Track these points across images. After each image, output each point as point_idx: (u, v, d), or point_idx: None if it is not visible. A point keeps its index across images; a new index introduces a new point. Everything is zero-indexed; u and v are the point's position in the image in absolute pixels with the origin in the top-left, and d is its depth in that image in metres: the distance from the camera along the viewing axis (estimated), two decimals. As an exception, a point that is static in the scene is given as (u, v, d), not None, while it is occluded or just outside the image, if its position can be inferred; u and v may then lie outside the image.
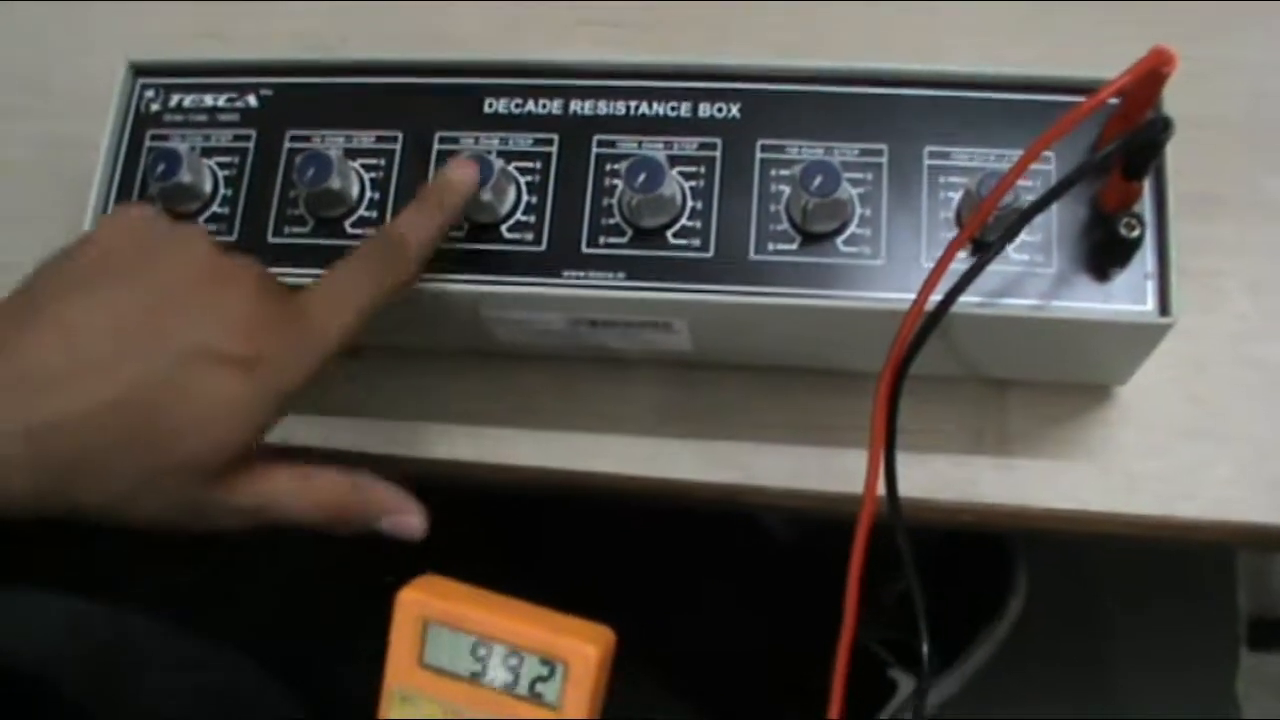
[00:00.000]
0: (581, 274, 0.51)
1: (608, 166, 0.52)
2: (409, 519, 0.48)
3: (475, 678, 0.43)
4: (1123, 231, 0.47)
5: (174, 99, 0.55)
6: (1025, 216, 0.46)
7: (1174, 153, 0.49)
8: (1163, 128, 0.44)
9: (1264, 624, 1.18)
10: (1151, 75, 0.45)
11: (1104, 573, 1.21)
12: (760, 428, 0.57)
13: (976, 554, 1.19)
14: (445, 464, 0.58)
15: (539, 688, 0.42)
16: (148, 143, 0.54)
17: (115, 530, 0.76)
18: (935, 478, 0.56)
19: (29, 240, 0.62)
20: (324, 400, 0.59)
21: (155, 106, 0.55)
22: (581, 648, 0.42)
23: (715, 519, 1.06)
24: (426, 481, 0.59)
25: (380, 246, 0.48)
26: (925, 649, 0.48)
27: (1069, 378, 0.55)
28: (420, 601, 0.43)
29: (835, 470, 0.55)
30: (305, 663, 0.78)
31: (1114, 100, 0.47)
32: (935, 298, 0.46)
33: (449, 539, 0.49)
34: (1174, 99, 0.48)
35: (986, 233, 0.49)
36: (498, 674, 0.42)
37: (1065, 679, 1.18)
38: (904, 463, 0.53)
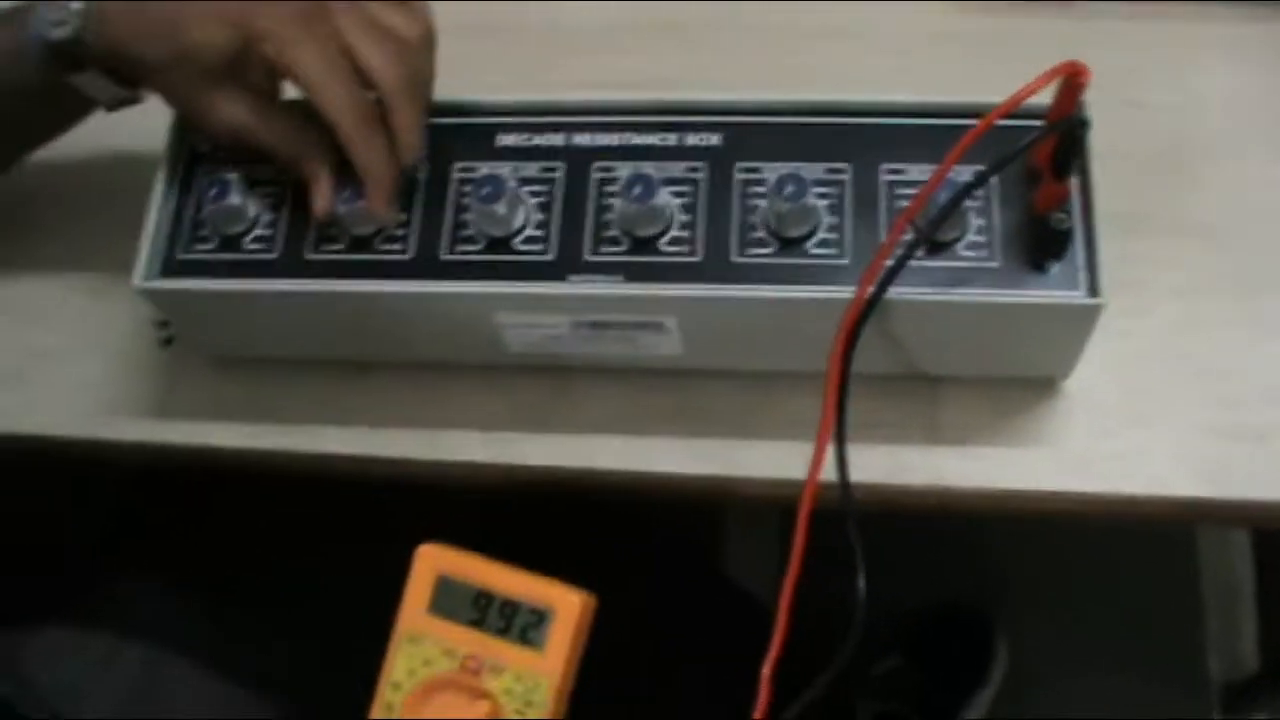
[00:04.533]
0: (584, 277, 0.58)
1: (606, 189, 0.60)
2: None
3: (474, 624, 0.50)
4: (1054, 225, 0.55)
5: (222, 140, 0.63)
6: (950, 207, 0.53)
7: (1107, 179, 0.57)
8: (1079, 125, 0.52)
9: (1235, 687, 1.22)
10: (1068, 86, 0.52)
11: (1082, 646, 1.25)
12: (744, 426, 0.63)
13: (958, 628, 1.24)
14: (460, 465, 0.64)
15: (528, 634, 0.49)
16: (200, 177, 0.62)
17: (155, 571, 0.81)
18: (902, 466, 0.62)
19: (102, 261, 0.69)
20: (352, 412, 0.65)
21: (205, 147, 0.62)
22: (568, 595, 0.49)
23: (701, 593, 1.10)
24: (446, 492, 0.65)
25: None
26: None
27: (1020, 370, 0.62)
28: (437, 554, 0.50)
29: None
30: (330, 710, 0.82)
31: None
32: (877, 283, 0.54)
33: None
34: (1106, 134, 0.56)
35: (940, 233, 0.56)
36: (494, 621, 0.49)
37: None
38: (871, 453, 0.60)
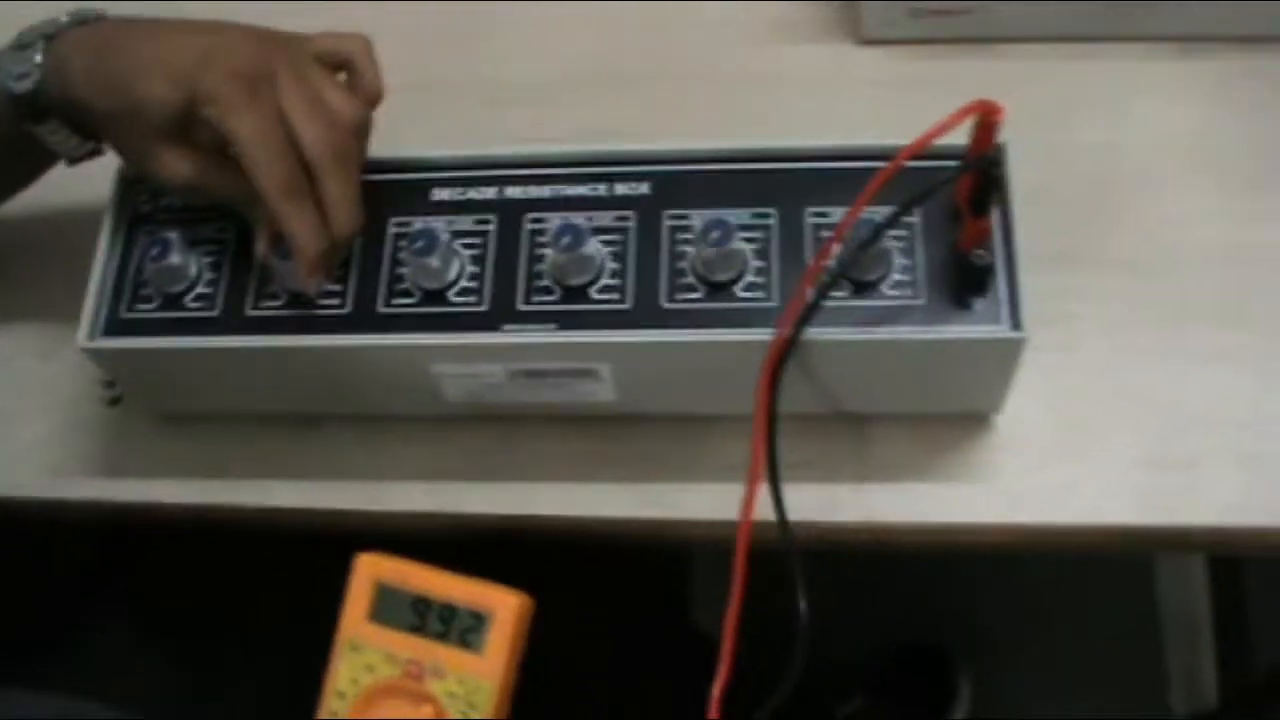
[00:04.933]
0: (518, 326, 0.59)
1: (538, 239, 0.61)
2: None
3: (415, 630, 0.51)
4: (974, 261, 0.56)
5: (164, 200, 0.64)
6: (866, 244, 0.55)
7: (1036, 216, 0.58)
8: (993, 163, 0.53)
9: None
10: (983, 125, 0.54)
11: (1044, 682, 1.25)
12: (684, 469, 0.64)
13: (921, 665, 1.25)
14: (404, 515, 0.65)
15: (468, 637, 0.50)
16: (141, 237, 0.63)
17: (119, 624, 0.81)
18: (835, 503, 0.63)
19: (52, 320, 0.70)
20: (297, 465, 0.66)
21: (147, 208, 0.64)
22: (505, 597, 0.51)
23: (663, 637, 1.10)
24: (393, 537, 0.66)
25: None
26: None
27: (950, 407, 0.63)
28: (375, 562, 0.52)
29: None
30: None
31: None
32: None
33: None
34: (1034, 172, 0.57)
35: (863, 272, 0.57)
36: (433, 626, 0.50)
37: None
38: (804, 491, 0.61)
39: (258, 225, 0.60)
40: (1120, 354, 0.64)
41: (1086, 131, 0.70)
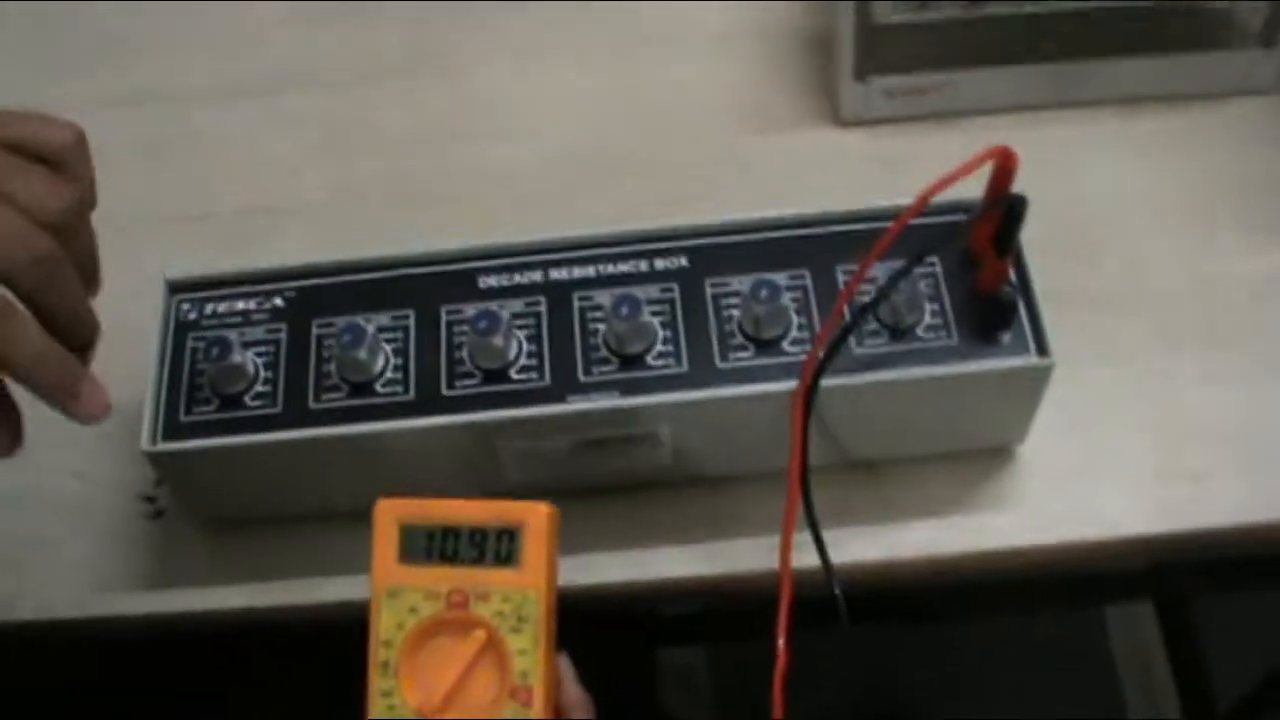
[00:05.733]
0: (582, 397, 0.62)
1: (589, 315, 0.64)
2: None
3: (449, 561, 0.51)
4: (1003, 298, 0.61)
5: (208, 308, 0.65)
6: (888, 287, 0.60)
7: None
8: (1020, 202, 0.59)
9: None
10: (1000, 170, 0.59)
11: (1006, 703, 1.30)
12: (739, 525, 0.67)
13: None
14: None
15: (503, 554, 0.50)
16: (189, 344, 0.64)
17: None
18: (889, 545, 0.66)
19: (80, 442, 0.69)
20: (345, 559, 0.66)
21: (192, 315, 0.65)
22: (533, 507, 0.51)
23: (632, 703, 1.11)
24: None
25: None
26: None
27: (984, 441, 0.68)
28: (394, 505, 0.51)
29: (809, 549, 0.65)
30: None
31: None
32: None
33: None
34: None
35: (900, 318, 0.62)
36: (466, 553, 0.50)
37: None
38: (854, 536, 0.65)
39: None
40: (1120, 381, 0.70)
41: (1052, 188, 0.74)
